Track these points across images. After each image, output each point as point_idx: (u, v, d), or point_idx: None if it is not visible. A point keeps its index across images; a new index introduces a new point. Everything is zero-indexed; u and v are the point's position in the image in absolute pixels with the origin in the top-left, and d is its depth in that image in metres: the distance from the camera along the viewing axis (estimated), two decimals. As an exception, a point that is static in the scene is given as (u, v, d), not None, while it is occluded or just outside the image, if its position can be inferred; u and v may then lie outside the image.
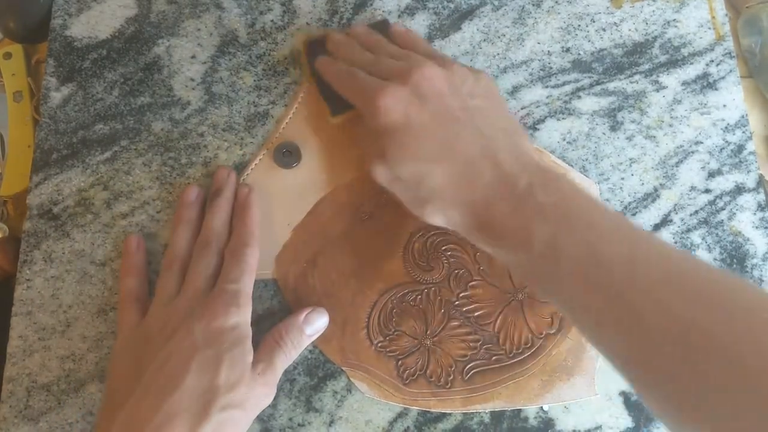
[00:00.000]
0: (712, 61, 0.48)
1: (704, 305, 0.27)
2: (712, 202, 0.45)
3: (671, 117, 0.47)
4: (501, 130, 0.36)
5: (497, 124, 0.36)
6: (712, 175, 0.46)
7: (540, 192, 0.32)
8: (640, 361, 0.29)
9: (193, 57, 0.46)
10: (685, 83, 0.47)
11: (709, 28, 0.48)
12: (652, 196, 0.45)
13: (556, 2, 0.48)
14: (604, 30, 0.48)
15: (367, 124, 0.37)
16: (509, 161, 0.34)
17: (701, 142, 0.46)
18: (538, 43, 0.47)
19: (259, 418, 0.40)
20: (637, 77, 0.47)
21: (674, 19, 0.48)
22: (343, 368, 0.41)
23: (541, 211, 0.32)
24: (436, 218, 0.35)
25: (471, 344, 0.41)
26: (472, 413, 0.41)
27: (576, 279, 0.30)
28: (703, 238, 0.44)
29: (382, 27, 0.44)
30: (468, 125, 0.35)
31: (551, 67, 0.47)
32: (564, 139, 0.46)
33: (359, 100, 0.38)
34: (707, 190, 0.45)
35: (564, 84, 0.47)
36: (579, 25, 0.48)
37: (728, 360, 0.25)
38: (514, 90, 0.46)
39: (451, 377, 0.41)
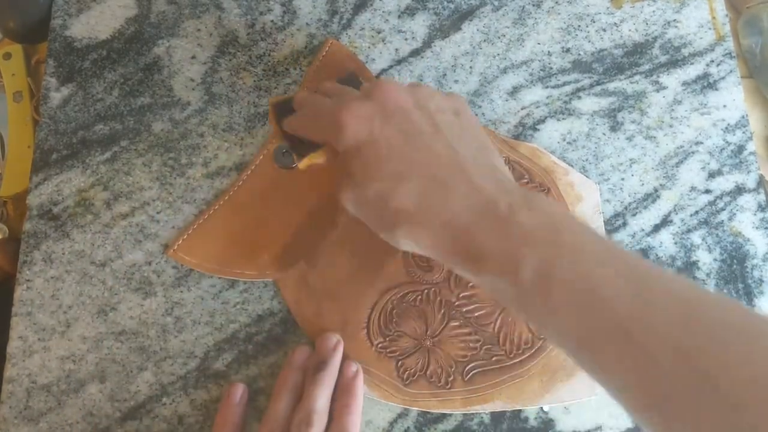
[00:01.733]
0: (713, 61, 0.48)
1: (723, 352, 0.25)
2: (712, 203, 0.45)
3: (671, 117, 0.46)
4: (473, 147, 0.33)
5: (469, 140, 0.34)
6: (712, 175, 0.46)
7: (523, 213, 0.30)
8: (654, 406, 0.26)
9: (193, 57, 0.46)
10: (685, 83, 0.47)
11: (710, 29, 0.48)
12: (652, 197, 0.45)
13: (557, 2, 0.48)
14: (604, 30, 0.48)
15: (336, 154, 0.35)
16: (485, 180, 0.31)
17: (701, 143, 0.46)
18: (539, 43, 0.47)
19: (259, 419, 0.40)
20: (637, 78, 0.47)
21: (674, 20, 0.48)
22: (343, 369, 0.41)
23: (527, 234, 0.29)
24: (407, 244, 0.33)
25: (471, 345, 0.41)
26: (473, 414, 0.41)
27: (571, 312, 0.28)
28: (703, 239, 0.44)
29: (351, 80, 0.41)
30: (437, 139, 0.33)
31: (551, 68, 0.47)
32: (564, 140, 0.46)
33: (324, 127, 0.35)
34: (707, 191, 0.45)
35: (564, 84, 0.47)
36: (579, 26, 0.48)
37: (752, 405, 0.24)
38: (514, 90, 0.46)
39: (452, 378, 0.41)
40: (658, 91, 0.47)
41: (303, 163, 0.38)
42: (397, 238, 0.32)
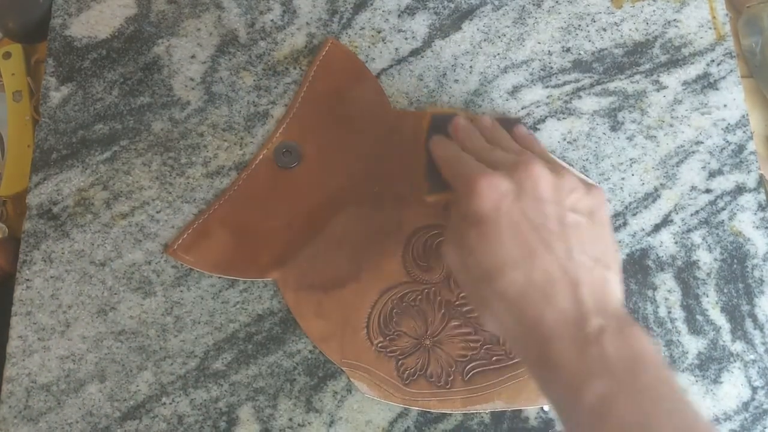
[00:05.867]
0: (713, 60, 0.48)
1: None
2: (712, 202, 0.45)
3: (672, 117, 0.46)
4: (592, 257, 0.33)
5: (591, 249, 0.33)
6: (712, 175, 0.46)
7: (610, 341, 0.30)
8: None
9: (192, 57, 0.46)
10: (685, 83, 0.47)
11: (710, 28, 0.48)
12: (652, 196, 0.45)
13: (557, 2, 0.48)
14: (604, 30, 0.48)
15: (458, 208, 0.35)
16: (588, 295, 0.32)
17: (702, 142, 0.46)
18: (539, 42, 0.47)
19: (259, 419, 0.40)
20: (637, 77, 0.47)
21: (675, 19, 0.48)
22: (343, 368, 0.41)
23: (605, 362, 0.30)
24: (491, 325, 0.34)
25: (471, 344, 0.41)
26: (473, 414, 0.41)
27: None
28: (703, 239, 0.44)
29: (508, 123, 0.41)
30: (559, 240, 0.32)
31: (552, 67, 0.47)
32: (564, 139, 0.46)
33: (459, 182, 0.35)
34: (708, 190, 0.45)
35: (564, 84, 0.47)
36: (579, 25, 0.48)
37: None
38: (515, 90, 0.46)
39: (452, 377, 0.41)
40: (658, 90, 0.47)
41: (432, 198, 0.39)
42: (485, 314, 0.33)
